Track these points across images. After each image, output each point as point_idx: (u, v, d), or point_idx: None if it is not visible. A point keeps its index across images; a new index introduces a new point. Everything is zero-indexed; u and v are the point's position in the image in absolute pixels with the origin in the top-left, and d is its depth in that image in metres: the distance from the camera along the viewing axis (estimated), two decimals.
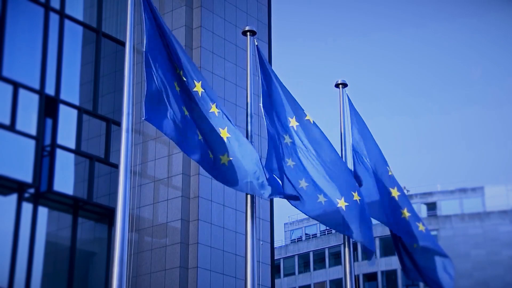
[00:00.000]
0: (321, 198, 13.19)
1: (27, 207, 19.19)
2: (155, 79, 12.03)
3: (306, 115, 13.63)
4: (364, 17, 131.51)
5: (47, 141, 19.74)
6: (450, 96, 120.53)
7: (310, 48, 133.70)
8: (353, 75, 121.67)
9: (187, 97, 12.41)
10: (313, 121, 13.64)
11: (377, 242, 65.10)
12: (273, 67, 23.07)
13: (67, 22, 21.07)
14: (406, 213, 14.47)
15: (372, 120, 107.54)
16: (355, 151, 14.68)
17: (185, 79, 12.44)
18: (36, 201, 19.39)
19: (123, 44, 20.25)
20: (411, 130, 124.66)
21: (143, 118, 11.60)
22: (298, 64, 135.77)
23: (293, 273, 72.56)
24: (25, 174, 19.09)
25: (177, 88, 12.34)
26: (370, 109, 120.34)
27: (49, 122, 19.96)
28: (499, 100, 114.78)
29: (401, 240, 14.48)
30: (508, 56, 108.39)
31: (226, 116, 12.36)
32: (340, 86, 15.19)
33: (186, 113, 12.29)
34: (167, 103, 12.06)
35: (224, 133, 12.30)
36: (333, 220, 13.26)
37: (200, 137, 12.27)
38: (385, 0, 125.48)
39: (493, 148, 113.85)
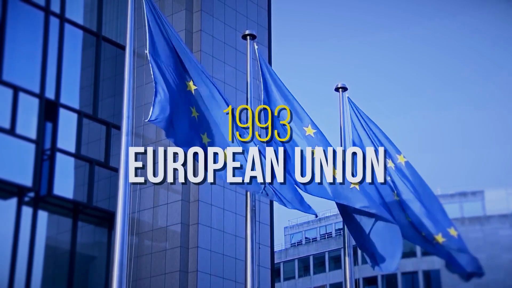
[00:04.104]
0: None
1: (27, 211, 19.17)
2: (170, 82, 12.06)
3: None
4: (363, 17, 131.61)
5: (47, 145, 19.73)
6: (451, 97, 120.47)
7: (310, 49, 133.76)
8: (352, 75, 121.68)
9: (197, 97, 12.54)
10: None
11: None
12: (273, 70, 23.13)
13: (67, 26, 21.07)
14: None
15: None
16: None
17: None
18: (36, 205, 19.37)
19: (123, 48, 20.24)
20: (411, 132, 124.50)
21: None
22: (299, 65, 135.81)
23: (293, 277, 72.44)
24: (25, 178, 19.08)
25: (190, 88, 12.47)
26: (370, 109, 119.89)
27: (49, 126, 19.95)
28: (500, 102, 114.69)
29: None
30: (510, 56, 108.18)
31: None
32: (340, 89, 15.15)
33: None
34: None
35: None
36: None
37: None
38: (385, 0, 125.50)
39: (493, 152, 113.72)
